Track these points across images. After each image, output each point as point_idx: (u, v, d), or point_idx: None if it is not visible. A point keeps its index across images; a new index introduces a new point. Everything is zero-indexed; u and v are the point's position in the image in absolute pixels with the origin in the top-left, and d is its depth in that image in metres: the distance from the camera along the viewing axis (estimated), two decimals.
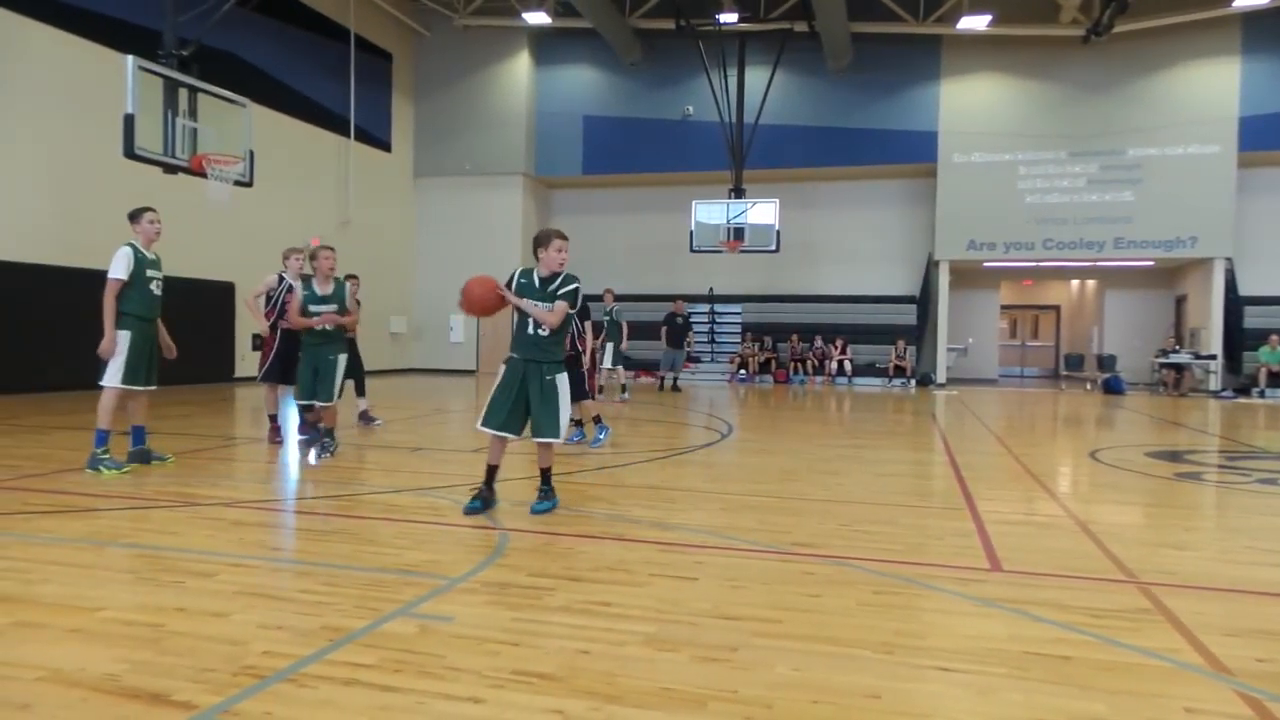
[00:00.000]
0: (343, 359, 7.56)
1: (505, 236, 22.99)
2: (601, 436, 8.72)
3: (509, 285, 5.27)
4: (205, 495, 5.72)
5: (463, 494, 5.90)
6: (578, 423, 8.78)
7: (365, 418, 10.11)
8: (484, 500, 5.30)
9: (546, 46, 23.48)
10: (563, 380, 5.28)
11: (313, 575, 3.91)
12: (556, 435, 5.20)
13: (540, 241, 5.30)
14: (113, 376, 6.49)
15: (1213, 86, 20.05)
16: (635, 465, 7.54)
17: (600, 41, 22.12)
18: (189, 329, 16.34)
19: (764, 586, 3.86)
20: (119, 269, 6.45)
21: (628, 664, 2.92)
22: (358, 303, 8.46)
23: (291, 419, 9.24)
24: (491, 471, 5.36)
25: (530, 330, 5.26)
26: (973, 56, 21.23)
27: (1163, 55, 20.19)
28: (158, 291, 6.71)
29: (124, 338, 6.49)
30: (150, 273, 6.60)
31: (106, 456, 6.44)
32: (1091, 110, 20.69)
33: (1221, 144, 19.91)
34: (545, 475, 5.43)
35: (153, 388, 6.75)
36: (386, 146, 22.83)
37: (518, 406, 5.21)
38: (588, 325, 8.74)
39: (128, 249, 6.53)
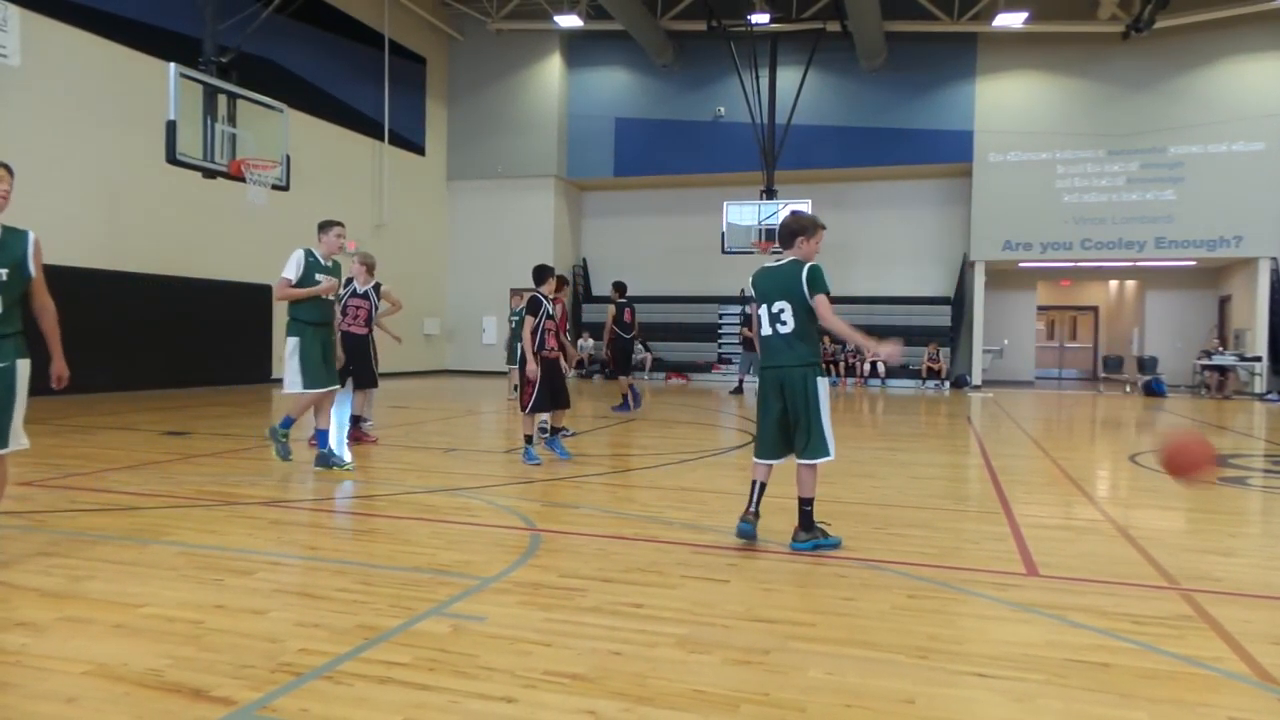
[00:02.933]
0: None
1: (538, 238, 23.11)
2: (541, 456, 7.53)
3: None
4: (244, 495, 5.82)
5: (495, 494, 5.95)
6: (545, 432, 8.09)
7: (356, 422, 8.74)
8: (754, 521, 4.65)
9: (578, 49, 23.57)
10: (824, 385, 4.66)
11: (348, 574, 3.96)
12: (827, 453, 4.58)
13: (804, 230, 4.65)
14: (293, 384, 6.71)
15: (1258, 83, 19.58)
16: (668, 467, 7.54)
17: (632, 43, 22.15)
18: (226, 331, 16.71)
19: (797, 589, 3.84)
20: (289, 269, 6.66)
21: (660, 665, 2.92)
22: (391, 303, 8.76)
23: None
24: (759, 489, 4.68)
25: (777, 330, 4.64)
26: (1009, 54, 20.95)
27: (1206, 51, 19.76)
28: (329, 298, 6.92)
29: (293, 344, 6.69)
30: (319, 277, 6.76)
31: (285, 439, 6.82)
32: (1131, 108, 20.31)
33: (1267, 141, 19.44)
34: (806, 506, 4.58)
35: (336, 387, 6.98)
36: (420, 150, 23.06)
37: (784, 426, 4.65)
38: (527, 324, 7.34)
39: (300, 251, 6.73)
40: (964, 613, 3.62)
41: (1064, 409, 15.80)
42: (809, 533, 4.56)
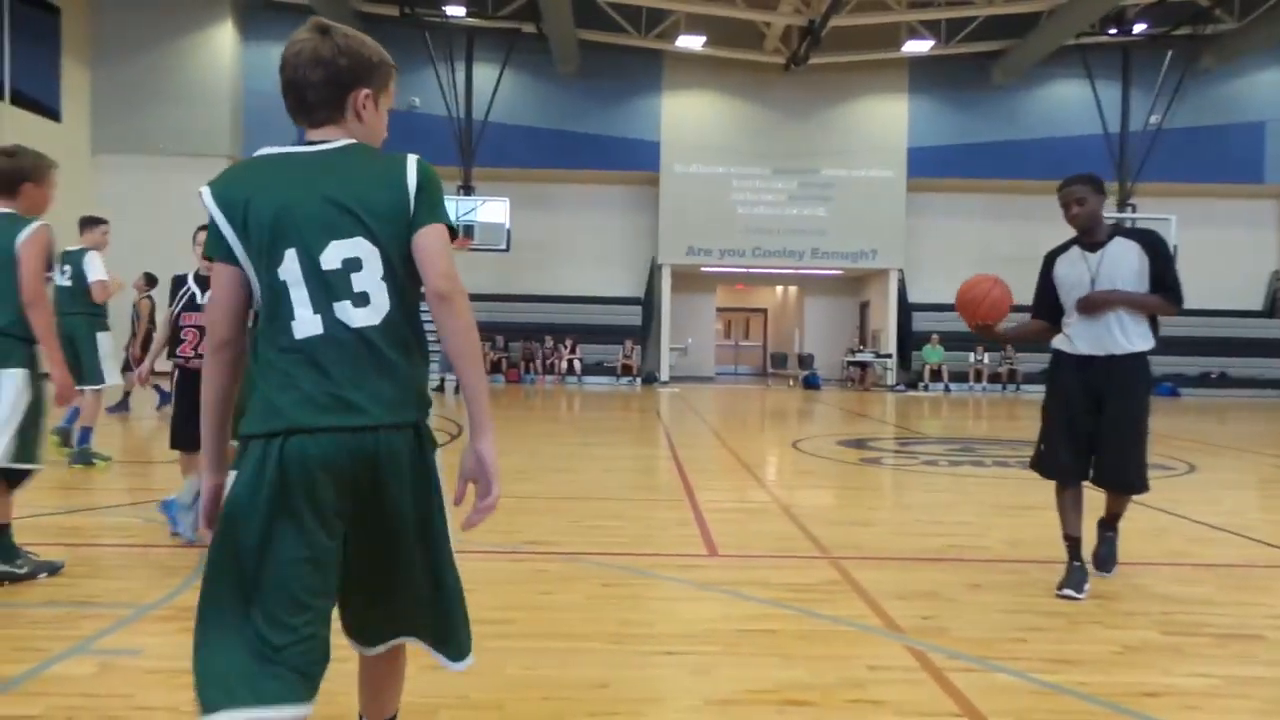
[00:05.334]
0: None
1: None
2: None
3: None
4: None
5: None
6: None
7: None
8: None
9: (256, 20, 21.64)
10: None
11: None
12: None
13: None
14: None
15: (888, 119, 22.98)
16: None
17: None
18: None
19: (495, 588, 3.83)
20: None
21: (351, 680, 2.75)
22: None
23: None
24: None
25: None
26: (692, 73, 22.61)
27: (849, 87, 22.77)
28: None
29: None
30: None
31: None
32: (791, 132, 22.86)
33: (894, 170, 22.88)
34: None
35: None
36: (55, 115, 19.82)
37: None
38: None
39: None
40: (653, 596, 3.84)
41: (739, 402, 17.41)
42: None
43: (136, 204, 21.09)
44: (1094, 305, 3.84)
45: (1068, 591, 3.80)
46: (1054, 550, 4.22)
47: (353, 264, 1.71)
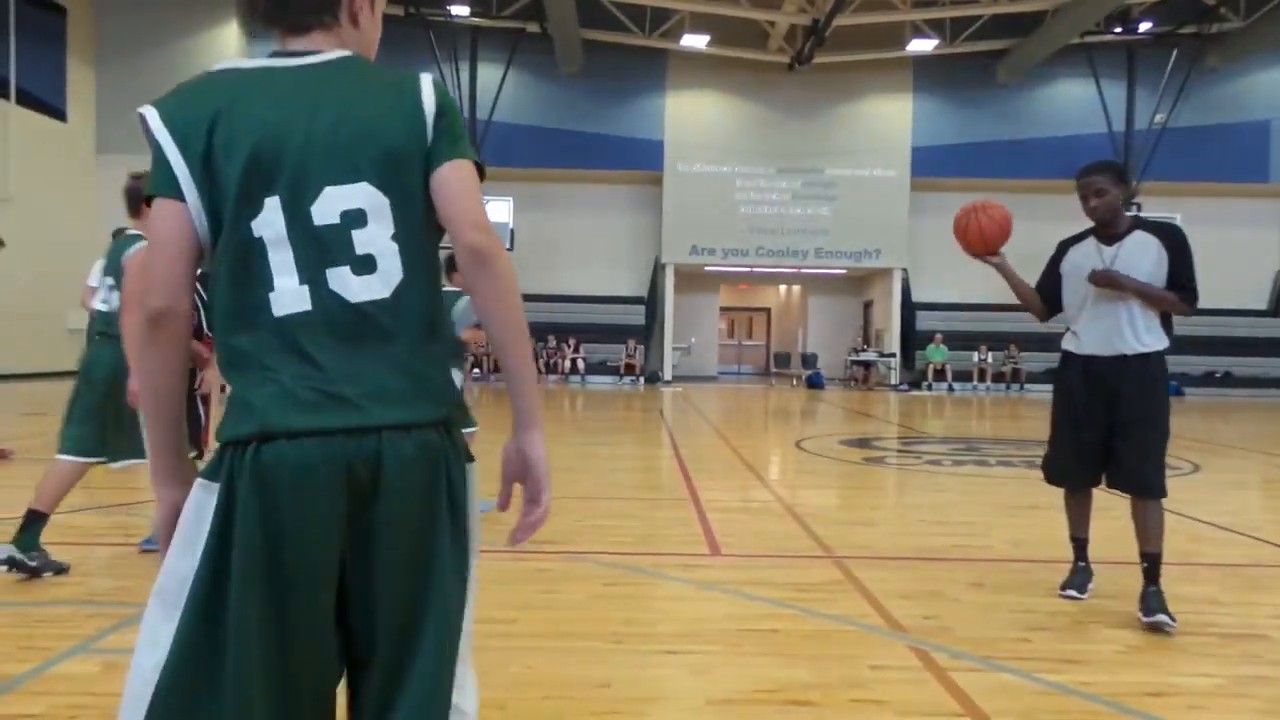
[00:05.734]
0: None
1: None
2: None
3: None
4: None
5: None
6: None
7: None
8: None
9: None
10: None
11: None
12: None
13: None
14: None
15: (892, 118, 22.95)
16: None
17: None
18: None
19: (499, 586, 3.83)
20: None
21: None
22: None
23: None
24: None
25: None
26: (695, 73, 22.60)
27: (853, 87, 22.74)
28: None
29: None
30: None
31: None
32: (796, 131, 22.84)
33: (898, 169, 22.85)
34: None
35: None
36: (61, 115, 19.86)
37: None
38: None
39: None
40: (656, 595, 3.83)
41: (742, 401, 17.40)
42: None
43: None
44: (1106, 281, 3.60)
45: (1071, 592, 3.77)
46: (1057, 550, 4.21)
47: (354, 218, 1.30)
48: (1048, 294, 3.93)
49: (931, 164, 22.69)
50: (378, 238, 1.30)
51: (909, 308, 23.13)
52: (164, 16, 20.98)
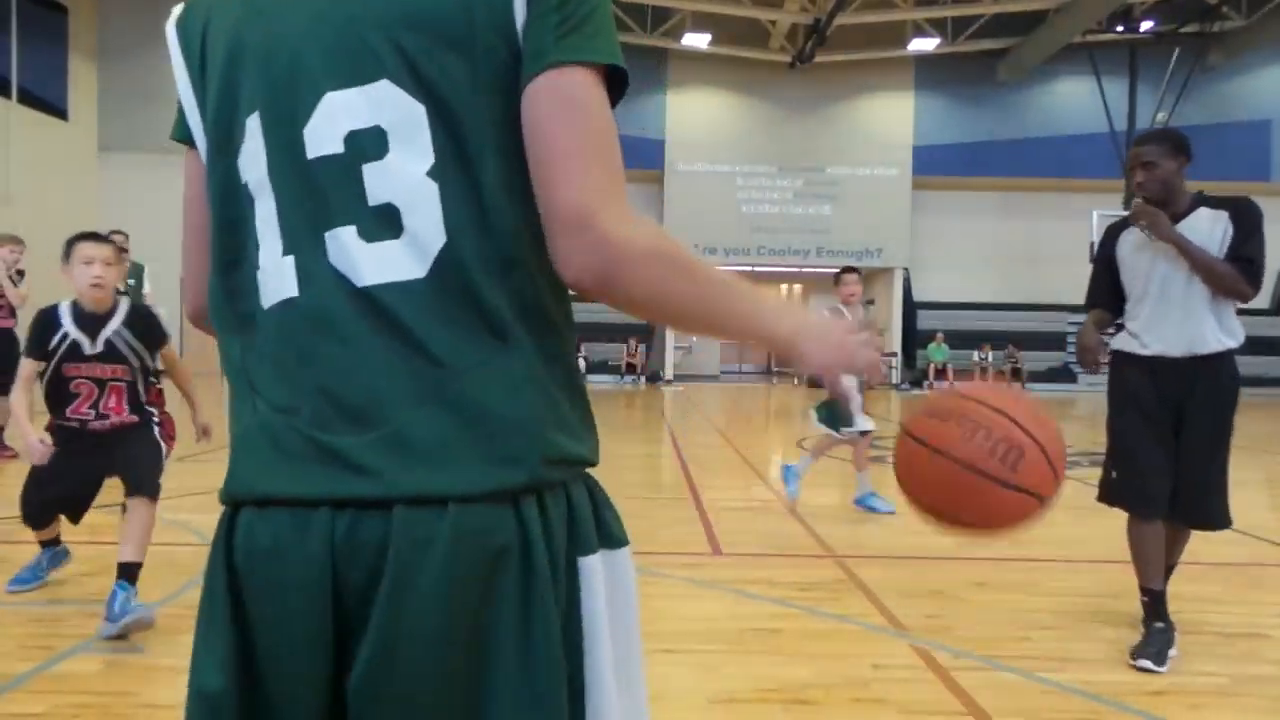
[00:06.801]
0: None
1: None
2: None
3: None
4: None
5: (167, 506, 5.29)
6: None
7: None
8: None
9: None
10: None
11: None
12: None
13: None
14: None
15: (893, 117, 22.94)
16: None
17: None
18: None
19: None
20: None
21: None
22: (19, 274, 7.35)
23: None
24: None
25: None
26: (697, 72, 22.60)
27: (855, 85, 22.73)
28: None
29: None
30: None
31: None
32: (797, 130, 22.84)
33: (899, 168, 22.84)
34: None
35: None
36: (62, 114, 19.88)
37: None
38: None
39: None
40: (657, 594, 3.83)
41: (743, 400, 17.39)
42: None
43: (144, 203, 21.14)
44: (1158, 226, 3.02)
45: (1144, 663, 2.93)
46: (1058, 548, 4.20)
47: (369, 141, 0.82)
48: (1107, 292, 3.27)
49: (933, 163, 22.68)
50: (405, 174, 0.81)
51: (910, 306, 23.11)
52: (165, 15, 20.93)
